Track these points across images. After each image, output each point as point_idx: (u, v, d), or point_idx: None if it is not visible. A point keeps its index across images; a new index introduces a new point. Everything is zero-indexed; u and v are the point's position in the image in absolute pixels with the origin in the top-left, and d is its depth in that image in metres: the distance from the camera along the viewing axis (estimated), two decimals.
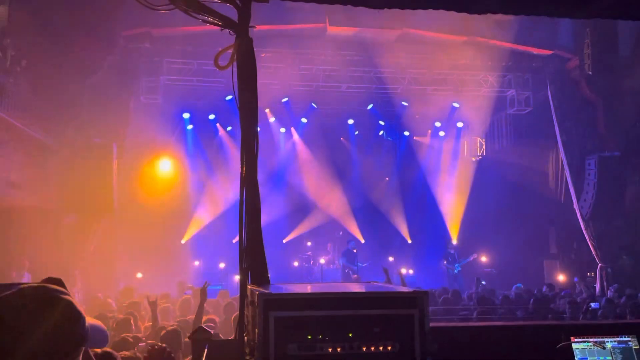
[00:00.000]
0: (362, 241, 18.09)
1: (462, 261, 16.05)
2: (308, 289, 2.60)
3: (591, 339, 2.88)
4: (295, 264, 17.44)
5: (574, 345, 2.86)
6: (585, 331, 2.90)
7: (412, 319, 2.16)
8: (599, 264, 13.13)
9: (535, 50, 13.85)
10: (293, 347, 2.05)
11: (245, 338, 2.43)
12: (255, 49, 3.01)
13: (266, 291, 2.18)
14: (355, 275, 14.04)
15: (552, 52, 13.76)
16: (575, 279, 13.06)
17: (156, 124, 15.13)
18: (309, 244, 18.05)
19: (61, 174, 12.00)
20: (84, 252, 12.05)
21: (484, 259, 16.47)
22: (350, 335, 2.11)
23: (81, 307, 1.49)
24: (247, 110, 2.87)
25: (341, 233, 18.40)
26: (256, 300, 2.14)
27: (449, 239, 17.59)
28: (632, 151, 13.14)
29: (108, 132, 12.19)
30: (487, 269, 16.17)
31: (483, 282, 13.05)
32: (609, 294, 10.46)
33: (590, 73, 13.40)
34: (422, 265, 17.28)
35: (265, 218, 2.89)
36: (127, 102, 12.67)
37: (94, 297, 9.70)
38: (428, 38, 13.21)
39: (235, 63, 2.94)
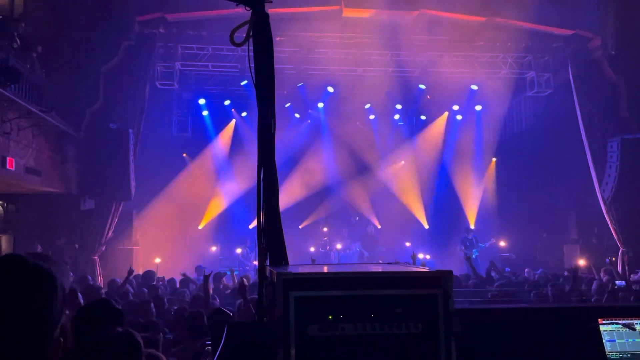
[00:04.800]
0: (379, 226, 18.01)
1: (480, 246, 15.89)
2: (328, 269, 2.54)
3: (620, 321, 2.79)
4: (312, 249, 17.45)
5: (601, 328, 2.77)
6: (613, 313, 2.81)
7: (436, 299, 2.08)
8: (621, 248, 12.92)
9: (556, 30, 13.50)
10: (314, 327, 1.99)
11: (265, 319, 2.39)
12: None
13: (286, 271, 2.13)
14: (380, 262, 13.98)
15: (574, 31, 13.40)
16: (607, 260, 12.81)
17: (172, 110, 15.12)
18: (325, 229, 18.03)
19: (79, 159, 12.11)
20: (103, 238, 12.16)
21: (502, 244, 16.29)
22: (372, 315, 2.04)
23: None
24: (264, 87, 2.79)
25: (357, 218, 18.33)
26: (275, 280, 2.08)
27: (467, 224, 17.41)
28: None
29: (124, 118, 12.23)
30: (505, 254, 16.00)
31: (507, 269, 12.88)
32: (633, 277, 10.28)
33: (613, 53, 13.07)
34: (439, 250, 17.15)
35: (281, 203, 2.82)
36: (143, 88, 12.67)
37: (112, 281, 9.77)
38: (445, 19, 12.95)
39: (251, 40, 2.86)
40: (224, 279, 9.90)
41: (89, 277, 9.99)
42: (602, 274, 10.46)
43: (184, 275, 9.97)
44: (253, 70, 2.85)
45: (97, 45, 11.64)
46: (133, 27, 12.21)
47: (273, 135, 2.86)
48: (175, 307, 6.71)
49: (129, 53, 12.26)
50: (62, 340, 1.31)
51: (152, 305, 6.53)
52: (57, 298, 1.30)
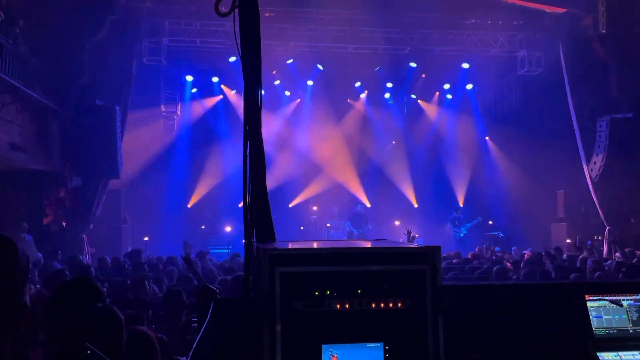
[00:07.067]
0: (369, 205, 18.05)
1: (468, 224, 16.00)
2: (315, 245, 2.51)
3: (607, 297, 2.79)
4: (302, 228, 17.47)
5: (588, 304, 2.77)
6: (600, 289, 2.81)
7: (424, 274, 2.06)
8: (607, 227, 13.04)
9: (548, 8, 13.42)
10: (300, 303, 1.97)
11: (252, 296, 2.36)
12: (259, 8, 2.84)
13: (272, 246, 2.10)
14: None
15: (566, 10, 13.31)
16: (589, 242, 12.98)
17: (159, 87, 14.89)
18: (315, 208, 18.04)
19: (65, 136, 11.93)
20: (91, 216, 12.06)
21: (490, 222, 16.41)
22: (359, 291, 2.02)
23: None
24: (250, 59, 2.72)
25: (347, 197, 18.33)
26: (262, 256, 2.05)
27: (456, 202, 17.50)
28: None
29: (111, 95, 12.04)
30: (493, 232, 16.13)
31: (497, 249, 13.00)
32: (617, 256, 10.41)
33: (604, 32, 13.00)
34: (429, 229, 17.24)
35: (271, 183, 2.76)
36: (129, 64, 12.45)
37: (101, 259, 9.71)
38: None
39: (237, 11, 2.78)
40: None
41: (80, 257, 9.91)
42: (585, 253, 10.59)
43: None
44: (239, 41, 2.77)
45: (82, 19, 11.36)
46: (119, 1, 11.93)
47: (259, 108, 2.79)
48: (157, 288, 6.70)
49: (115, 28, 12.00)
50: (27, 305, 1.33)
51: (147, 283, 6.53)
52: (10, 266, 1.32)
